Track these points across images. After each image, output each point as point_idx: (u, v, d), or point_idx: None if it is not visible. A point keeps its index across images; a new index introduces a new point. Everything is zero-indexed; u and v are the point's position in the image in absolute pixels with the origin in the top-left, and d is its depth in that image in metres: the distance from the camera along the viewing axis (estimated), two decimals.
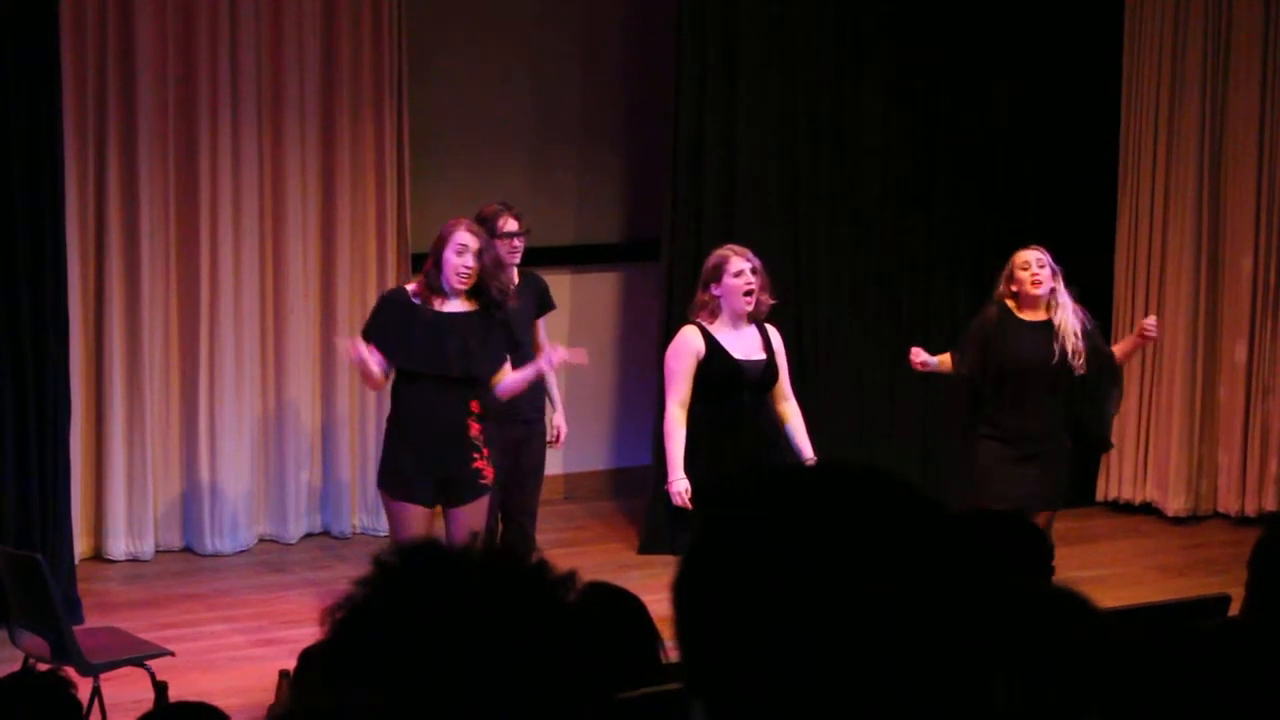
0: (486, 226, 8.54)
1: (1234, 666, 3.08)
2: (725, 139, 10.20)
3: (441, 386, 7.50)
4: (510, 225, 8.45)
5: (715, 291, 7.72)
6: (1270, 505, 10.51)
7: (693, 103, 10.12)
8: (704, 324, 7.73)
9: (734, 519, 1.45)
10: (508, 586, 1.72)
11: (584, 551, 8.92)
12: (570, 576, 1.74)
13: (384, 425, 7.87)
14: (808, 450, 7.85)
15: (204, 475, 9.90)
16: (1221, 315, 10.71)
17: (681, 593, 1.46)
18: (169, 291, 9.79)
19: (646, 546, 10.02)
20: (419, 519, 7.52)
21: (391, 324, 7.54)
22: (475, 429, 7.58)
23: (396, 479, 7.55)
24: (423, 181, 10.44)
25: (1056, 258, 7.99)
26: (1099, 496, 11.04)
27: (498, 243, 8.53)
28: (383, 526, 10.28)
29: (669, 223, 10.17)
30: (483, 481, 7.63)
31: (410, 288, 7.66)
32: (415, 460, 7.51)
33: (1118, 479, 10.99)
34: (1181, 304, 10.70)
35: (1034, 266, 7.89)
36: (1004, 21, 10.72)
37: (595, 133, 11.12)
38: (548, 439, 8.66)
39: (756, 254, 7.95)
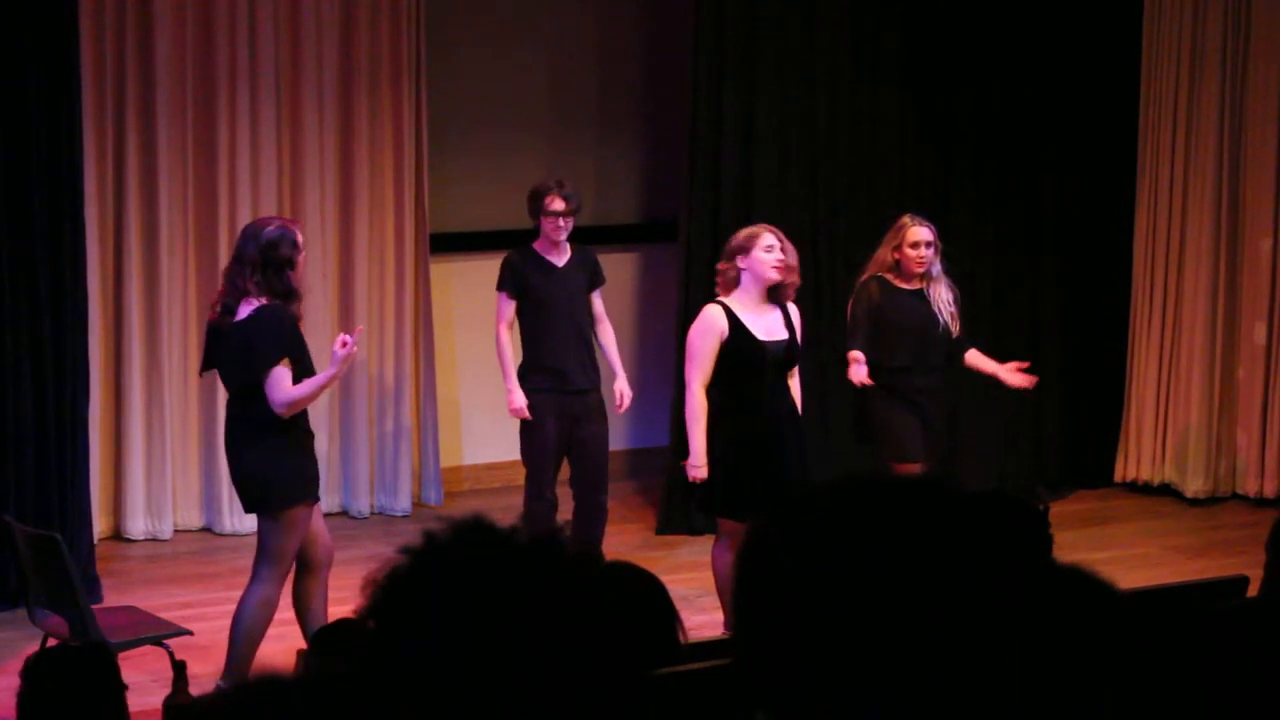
0: (535, 203, 8.56)
1: (1253, 648, 3.07)
2: (743, 119, 10.16)
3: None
4: (557, 205, 8.50)
5: (741, 264, 7.65)
6: None
7: (710, 83, 10.09)
8: (727, 303, 7.68)
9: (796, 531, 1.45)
10: (545, 566, 1.73)
11: None
12: (593, 556, 1.76)
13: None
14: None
15: (222, 455, 9.86)
16: (1241, 296, 10.68)
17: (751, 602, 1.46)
18: (187, 273, 9.80)
19: (664, 527, 10.03)
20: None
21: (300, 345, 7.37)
22: None
23: (309, 483, 7.30)
24: (440, 163, 10.44)
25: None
26: (1117, 478, 11.02)
27: (543, 220, 8.53)
28: (401, 506, 10.30)
29: (687, 203, 10.15)
30: None
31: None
32: (313, 464, 7.34)
33: (1136, 460, 10.97)
34: (1201, 285, 10.67)
35: (923, 248, 8.34)
36: (1023, 4, 10.68)
37: (613, 113, 11.10)
38: (616, 403, 8.68)
39: None
